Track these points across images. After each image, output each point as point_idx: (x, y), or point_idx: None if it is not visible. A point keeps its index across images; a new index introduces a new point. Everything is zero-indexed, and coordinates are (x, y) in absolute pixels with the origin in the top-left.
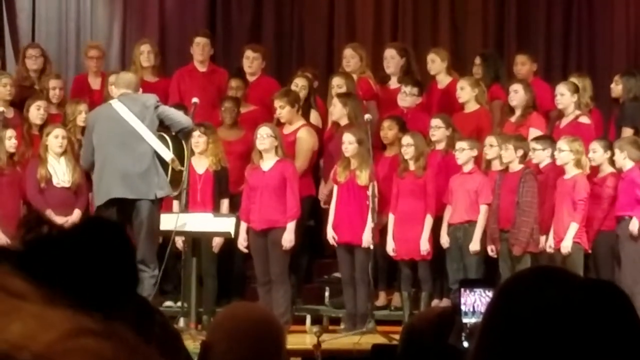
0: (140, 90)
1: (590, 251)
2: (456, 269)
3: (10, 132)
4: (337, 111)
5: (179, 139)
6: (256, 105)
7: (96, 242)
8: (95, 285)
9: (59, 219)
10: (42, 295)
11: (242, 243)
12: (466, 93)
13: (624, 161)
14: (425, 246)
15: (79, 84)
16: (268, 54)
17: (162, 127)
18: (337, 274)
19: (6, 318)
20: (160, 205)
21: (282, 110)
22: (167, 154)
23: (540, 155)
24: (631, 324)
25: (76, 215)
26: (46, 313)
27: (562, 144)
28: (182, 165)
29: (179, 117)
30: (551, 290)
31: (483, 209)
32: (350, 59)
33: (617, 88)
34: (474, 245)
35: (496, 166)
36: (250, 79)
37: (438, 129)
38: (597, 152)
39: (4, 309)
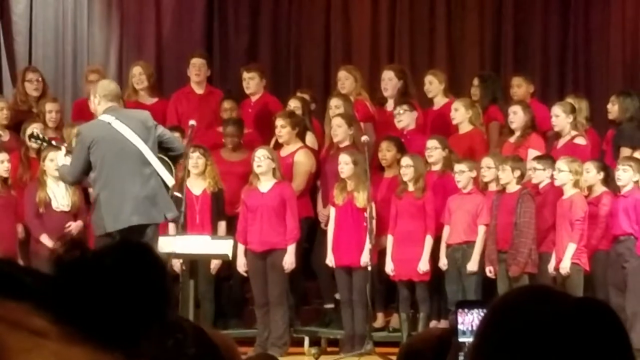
0: (122, 103)
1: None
2: (455, 290)
3: (2, 156)
4: (342, 132)
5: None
6: (255, 126)
7: (131, 265)
8: (127, 309)
9: (57, 244)
10: (62, 333)
11: (241, 267)
12: (460, 114)
13: (634, 177)
14: (425, 267)
15: (79, 108)
16: (265, 71)
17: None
18: (335, 296)
19: (27, 355)
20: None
21: (283, 129)
22: (170, 179)
23: (540, 176)
24: (620, 342)
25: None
26: (66, 350)
27: (561, 164)
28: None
29: (176, 142)
30: (542, 308)
31: (482, 229)
32: (345, 80)
33: (613, 109)
34: (472, 266)
35: (493, 187)
36: (253, 98)
37: (435, 150)
38: (591, 173)
39: (24, 347)
